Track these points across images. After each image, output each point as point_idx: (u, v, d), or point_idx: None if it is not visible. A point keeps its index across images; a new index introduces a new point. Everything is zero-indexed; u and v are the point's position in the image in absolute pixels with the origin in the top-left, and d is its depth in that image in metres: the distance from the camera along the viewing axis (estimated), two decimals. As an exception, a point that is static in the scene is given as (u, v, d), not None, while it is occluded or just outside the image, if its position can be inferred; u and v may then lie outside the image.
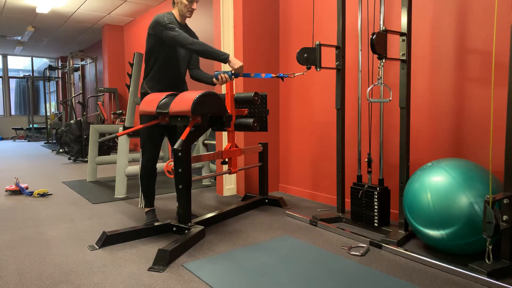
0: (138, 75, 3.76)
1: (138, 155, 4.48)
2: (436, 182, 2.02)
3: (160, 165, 3.89)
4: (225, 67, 3.53)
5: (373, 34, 2.16)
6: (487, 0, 2.26)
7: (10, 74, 12.75)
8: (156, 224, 2.51)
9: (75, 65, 9.34)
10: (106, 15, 7.64)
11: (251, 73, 2.67)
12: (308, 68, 2.60)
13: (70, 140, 6.28)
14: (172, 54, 2.66)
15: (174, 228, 2.48)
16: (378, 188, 2.52)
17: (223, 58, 2.50)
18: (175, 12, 2.69)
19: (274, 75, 2.69)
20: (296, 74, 2.77)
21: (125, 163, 3.66)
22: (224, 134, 3.72)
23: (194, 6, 2.65)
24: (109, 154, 6.21)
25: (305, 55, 2.58)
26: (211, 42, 4.30)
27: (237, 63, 2.53)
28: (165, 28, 2.51)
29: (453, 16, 2.42)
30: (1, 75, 12.60)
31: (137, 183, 4.37)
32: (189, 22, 5.75)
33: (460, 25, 2.38)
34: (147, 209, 2.78)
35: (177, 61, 2.71)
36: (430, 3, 2.54)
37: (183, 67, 2.79)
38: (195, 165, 4.17)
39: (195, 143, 3.94)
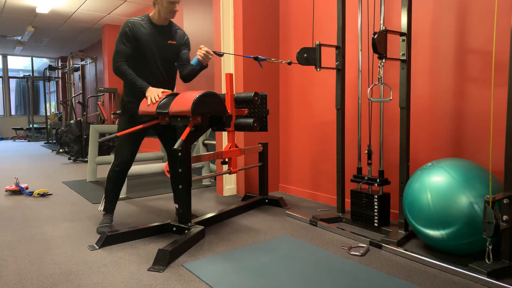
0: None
1: (137, 155, 4.48)
2: (436, 182, 2.02)
3: (160, 165, 3.90)
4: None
5: (374, 34, 2.16)
6: (487, 0, 2.26)
7: (10, 74, 12.75)
8: (113, 230, 2.41)
9: (75, 65, 9.35)
10: (106, 15, 7.64)
11: (221, 52, 2.64)
12: (289, 63, 2.72)
13: (70, 140, 6.28)
14: (141, 61, 2.52)
15: (174, 228, 2.48)
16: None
17: (141, 90, 2.42)
18: (153, 13, 2.52)
19: (251, 56, 2.71)
20: (273, 60, 2.73)
21: (125, 163, 3.66)
22: (224, 134, 3.72)
23: (176, 8, 2.48)
24: (109, 154, 6.20)
25: (305, 55, 2.58)
26: (211, 42, 4.30)
27: (153, 91, 2.41)
28: (117, 39, 2.47)
29: (453, 16, 2.42)
30: (1, 75, 12.60)
31: (137, 183, 4.37)
32: (189, 22, 5.74)
33: (460, 25, 2.38)
34: (105, 214, 2.67)
35: (150, 67, 2.54)
36: (430, 3, 2.54)
37: (166, 72, 2.61)
38: (195, 165, 4.17)
39: (195, 143, 3.93)
